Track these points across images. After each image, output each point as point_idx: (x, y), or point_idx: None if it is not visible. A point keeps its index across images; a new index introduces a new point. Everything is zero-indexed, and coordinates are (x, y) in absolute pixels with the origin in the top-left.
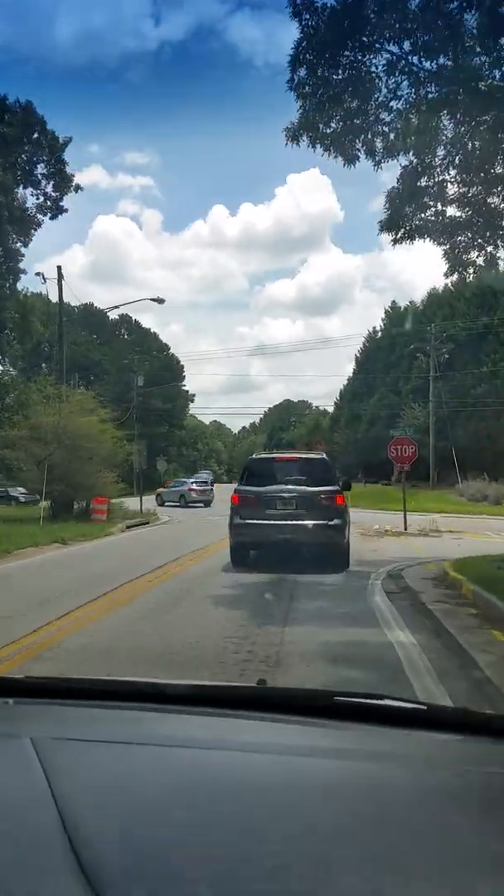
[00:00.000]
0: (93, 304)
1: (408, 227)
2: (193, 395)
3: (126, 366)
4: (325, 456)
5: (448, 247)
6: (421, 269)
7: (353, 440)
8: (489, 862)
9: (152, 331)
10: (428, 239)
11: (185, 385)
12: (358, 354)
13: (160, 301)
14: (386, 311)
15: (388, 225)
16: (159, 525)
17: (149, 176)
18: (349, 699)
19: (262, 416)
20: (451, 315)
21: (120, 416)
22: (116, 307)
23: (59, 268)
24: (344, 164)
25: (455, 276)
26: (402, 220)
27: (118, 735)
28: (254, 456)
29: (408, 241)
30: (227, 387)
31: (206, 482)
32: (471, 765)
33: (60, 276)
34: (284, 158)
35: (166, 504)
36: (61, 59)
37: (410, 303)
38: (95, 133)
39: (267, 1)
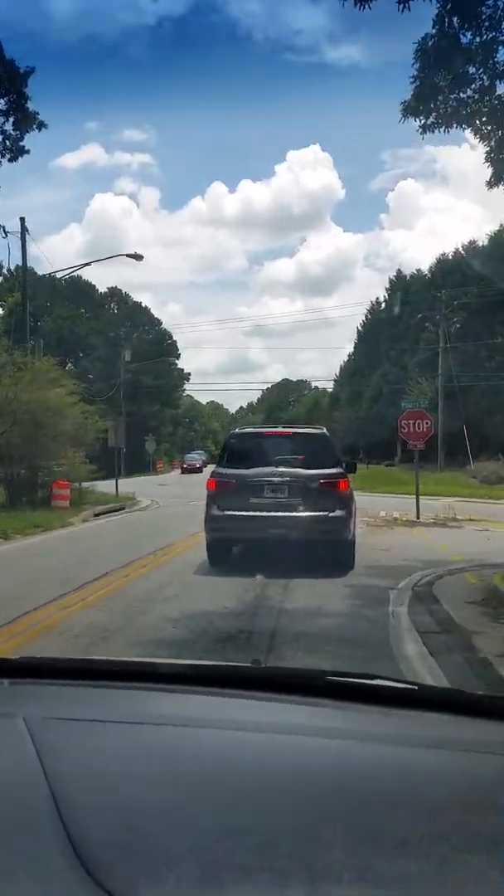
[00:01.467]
0: (80, 277)
1: (442, 110)
2: (189, 374)
3: (114, 340)
4: (325, 431)
5: (494, 143)
6: (424, 245)
7: (355, 418)
8: (475, 841)
9: (143, 304)
10: (468, 129)
11: (178, 362)
12: (360, 328)
13: (138, 257)
14: (391, 280)
15: (415, 105)
16: (135, 511)
17: (147, 153)
18: (341, 679)
19: (260, 395)
20: (462, 282)
21: (105, 391)
22: (88, 264)
23: (21, 220)
24: (355, 3)
25: (502, 187)
26: (434, 100)
27: (112, 714)
28: (237, 430)
29: (441, 130)
30: (225, 367)
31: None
32: (460, 745)
33: (24, 230)
34: (285, 135)
35: None
36: (58, 33)
37: (418, 271)
38: (93, 110)
39: None
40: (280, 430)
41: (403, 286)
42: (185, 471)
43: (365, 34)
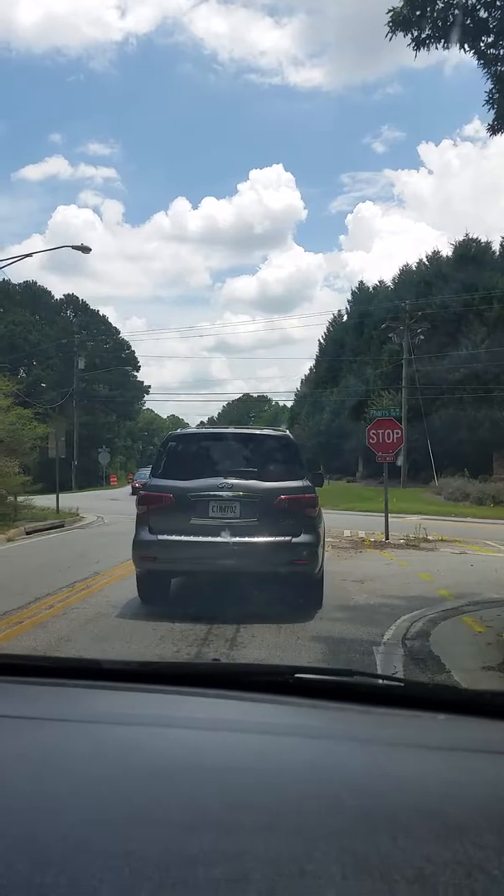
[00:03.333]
0: (35, 283)
1: (440, 22)
2: (149, 387)
3: (68, 348)
4: (288, 433)
5: (502, 70)
6: (381, 267)
7: (316, 433)
8: (470, 849)
9: (101, 313)
10: (470, 50)
11: (137, 375)
12: (321, 340)
13: (86, 249)
14: (353, 293)
15: (408, 13)
16: (75, 529)
17: (112, 167)
18: (313, 675)
19: (220, 410)
20: (426, 293)
21: (58, 400)
22: (30, 255)
23: None
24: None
25: None
26: (431, 4)
27: (39, 711)
28: (177, 432)
29: (438, 45)
30: (186, 381)
31: None
32: (470, 745)
33: None
34: (248, 153)
35: None
36: (23, 45)
37: (380, 282)
38: (57, 122)
39: None
40: (231, 431)
41: (366, 297)
42: (136, 489)
43: (328, 58)
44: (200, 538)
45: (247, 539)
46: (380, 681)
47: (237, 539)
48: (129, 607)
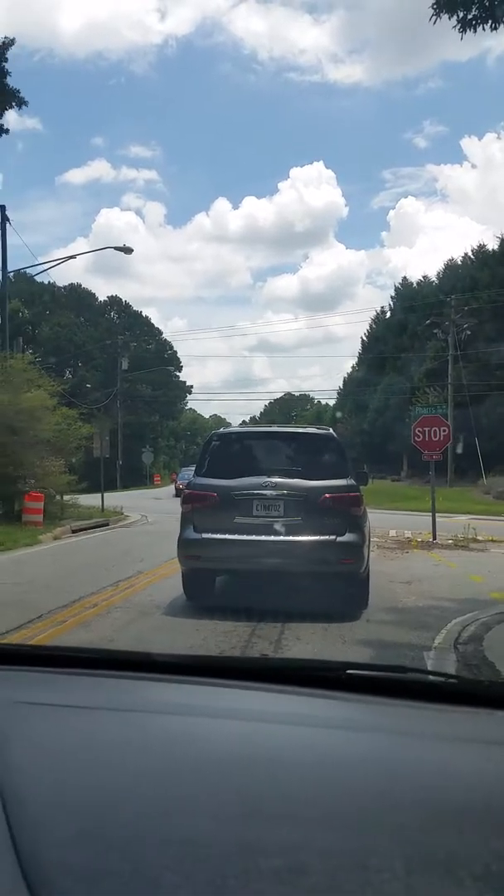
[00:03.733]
0: (80, 285)
1: (486, 2)
2: (191, 387)
3: (112, 349)
4: (332, 432)
5: None
6: (424, 263)
7: (359, 431)
8: None
9: (144, 314)
10: None
11: (179, 375)
12: (364, 338)
13: (128, 251)
14: (396, 289)
15: None
16: (119, 528)
17: (153, 169)
18: (365, 672)
19: (262, 409)
20: (471, 287)
21: (103, 401)
22: (73, 257)
23: (2, 207)
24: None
25: None
26: None
27: (94, 701)
28: (221, 430)
29: (485, 26)
30: (228, 381)
31: None
32: None
33: (5, 219)
34: (288, 151)
35: None
36: (65, 50)
37: (424, 277)
38: (99, 126)
39: None
40: (275, 429)
41: (410, 294)
42: (180, 490)
43: (368, 55)
44: (244, 537)
45: (291, 538)
46: (434, 677)
47: (281, 538)
48: (172, 607)
